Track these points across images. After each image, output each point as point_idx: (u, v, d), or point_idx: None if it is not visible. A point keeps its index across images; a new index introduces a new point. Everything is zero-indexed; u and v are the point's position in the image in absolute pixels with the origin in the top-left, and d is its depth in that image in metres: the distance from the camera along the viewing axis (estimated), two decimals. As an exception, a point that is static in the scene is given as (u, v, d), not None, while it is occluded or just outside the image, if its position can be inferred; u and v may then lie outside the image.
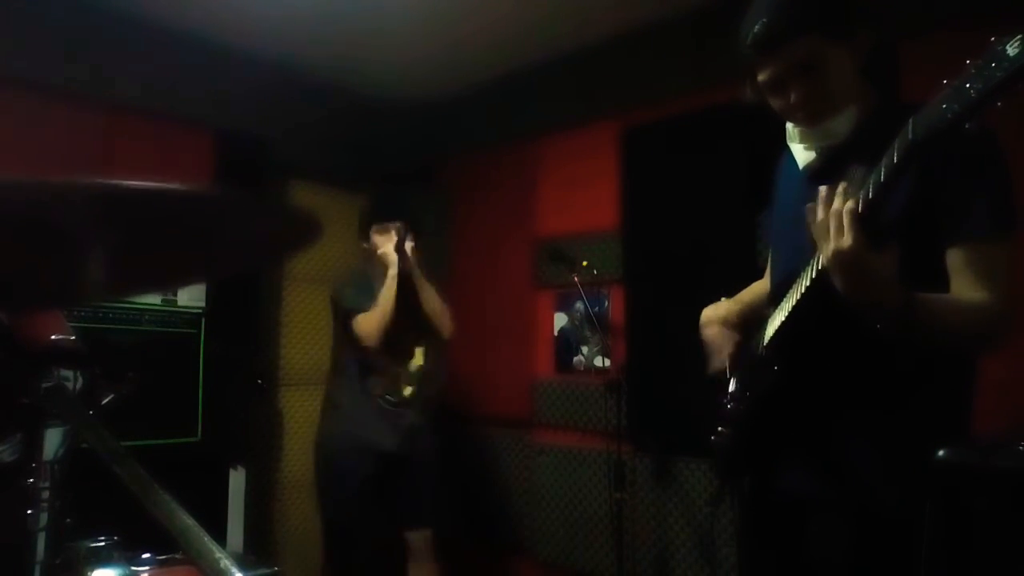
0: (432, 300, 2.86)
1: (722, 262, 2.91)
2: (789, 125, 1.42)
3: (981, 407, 1.30)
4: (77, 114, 3.05)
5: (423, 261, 2.89)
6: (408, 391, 2.85)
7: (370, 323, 2.71)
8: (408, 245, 2.76)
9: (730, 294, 2.61)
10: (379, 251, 2.80)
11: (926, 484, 1.03)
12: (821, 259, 1.14)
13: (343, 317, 2.81)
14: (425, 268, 2.89)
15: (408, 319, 2.81)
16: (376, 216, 2.89)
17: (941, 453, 1.00)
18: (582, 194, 3.53)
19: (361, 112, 4.10)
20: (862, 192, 1.09)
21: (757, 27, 1.29)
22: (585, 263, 3.19)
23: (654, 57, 3.26)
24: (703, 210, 3.03)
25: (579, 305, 3.42)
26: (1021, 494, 0.94)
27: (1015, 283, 1.21)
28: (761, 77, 1.34)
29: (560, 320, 3.56)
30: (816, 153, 1.37)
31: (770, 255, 1.66)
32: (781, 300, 1.37)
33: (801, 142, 1.40)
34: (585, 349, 3.44)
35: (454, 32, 3.36)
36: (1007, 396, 1.81)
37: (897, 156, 1.04)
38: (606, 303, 3.33)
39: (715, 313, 1.62)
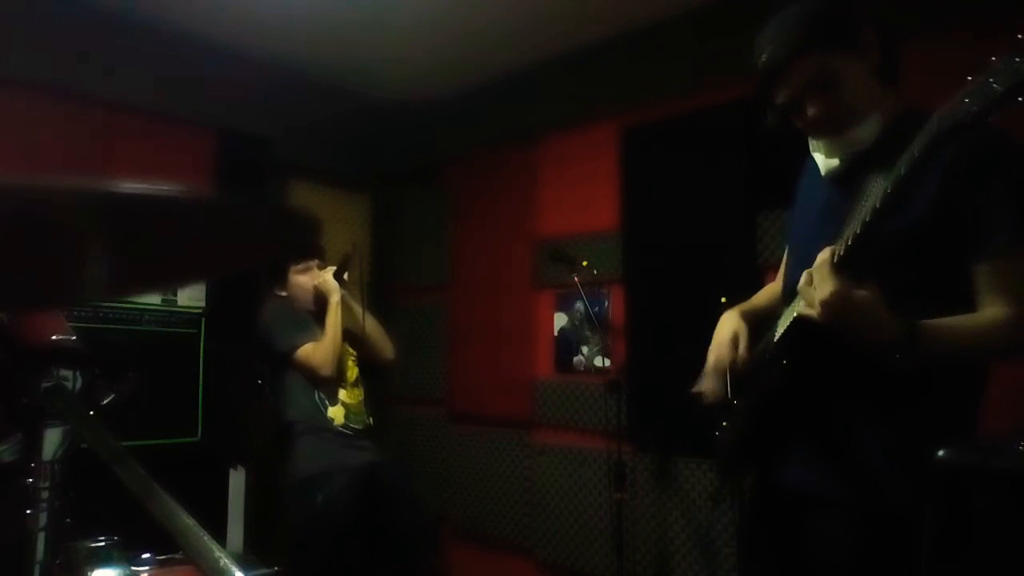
0: (372, 325, 2.87)
1: (722, 262, 2.91)
2: (813, 140, 1.44)
3: (984, 407, 1.31)
4: (77, 114, 3.05)
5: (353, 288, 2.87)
6: (370, 421, 2.82)
7: (321, 351, 2.66)
8: (346, 274, 2.79)
9: (730, 294, 2.62)
10: (317, 282, 2.78)
11: (932, 483, 1.03)
12: (814, 312, 1.19)
13: (283, 356, 2.70)
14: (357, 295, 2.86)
15: (351, 348, 2.84)
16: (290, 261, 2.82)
17: (941, 453, 1.00)
18: (582, 194, 3.53)
19: (362, 112, 4.11)
20: (847, 233, 1.15)
21: (765, 55, 1.33)
22: (585, 263, 3.19)
23: (654, 57, 3.27)
24: (703, 210, 3.03)
25: (579, 305, 3.42)
26: (1021, 494, 0.94)
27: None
28: (779, 100, 1.36)
29: (560, 320, 3.56)
30: (840, 160, 1.38)
31: (786, 255, 1.68)
32: (794, 299, 1.37)
33: (824, 152, 1.41)
34: (585, 349, 3.44)
35: (454, 32, 3.36)
36: (1008, 396, 1.81)
37: (919, 150, 1.04)
38: (606, 303, 3.33)
39: (727, 331, 1.59)
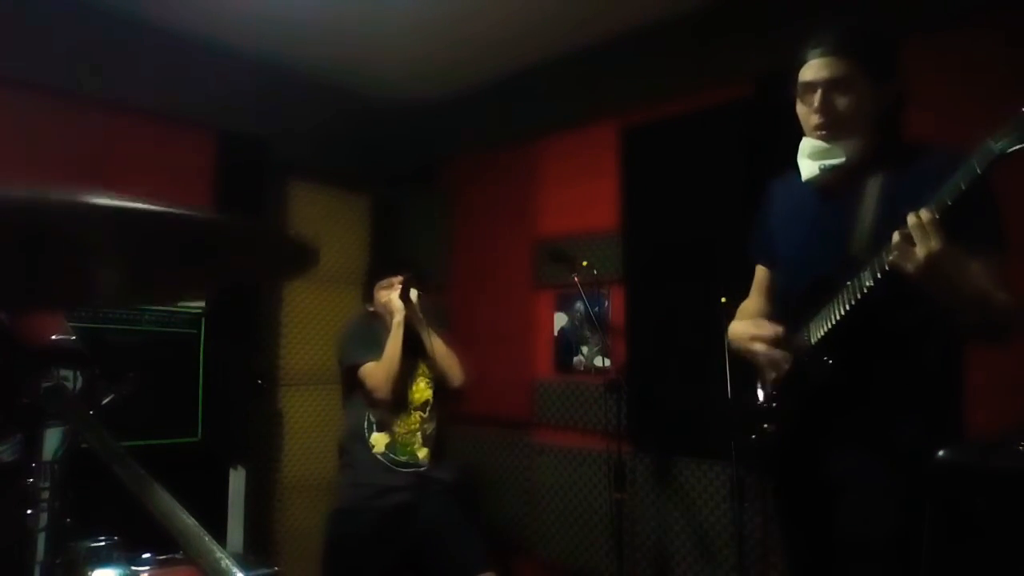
0: (439, 348, 2.76)
1: (722, 262, 2.90)
2: (804, 142, 1.58)
3: (983, 407, 1.33)
4: (77, 114, 3.05)
5: (430, 311, 2.80)
6: (423, 453, 2.68)
7: (378, 372, 2.60)
8: (413, 293, 2.69)
9: (729, 294, 2.63)
10: (383, 301, 2.73)
11: (931, 482, 1.08)
12: (911, 267, 1.27)
13: (348, 371, 2.72)
14: (433, 318, 2.80)
15: (415, 372, 2.74)
16: (379, 274, 2.84)
17: (941, 453, 1.00)
18: (582, 194, 3.53)
19: (362, 112, 4.11)
20: (936, 204, 1.26)
21: (822, 35, 1.52)
22: (585, 263, 3.19)
23: (654, 57, 3.26)
24: (703, 210, 3.03)
25: (579, 305, 3.42)
26: (1021, 494, 0.95)
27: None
28: (804, 78, 1.53)
29: (560, 320, 3.56)
30: (819, 171, 1.55)
31: (776, 270, 1.83)
32: (810, 306, 1.53)
33: (810, 156, 1.57)
34: (585, 349, 3.44)
35: (454, 32, 3.36)
36: (1008, 396, 1.82)
37: (980, 165, 1.20)
38: (606, 303, 3.33)
39: (758, 331, 1.68)
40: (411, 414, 2.71)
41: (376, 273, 2.89)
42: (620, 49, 3.38)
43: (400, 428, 2.68)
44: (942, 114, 2.19)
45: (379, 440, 2.65)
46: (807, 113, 1.55)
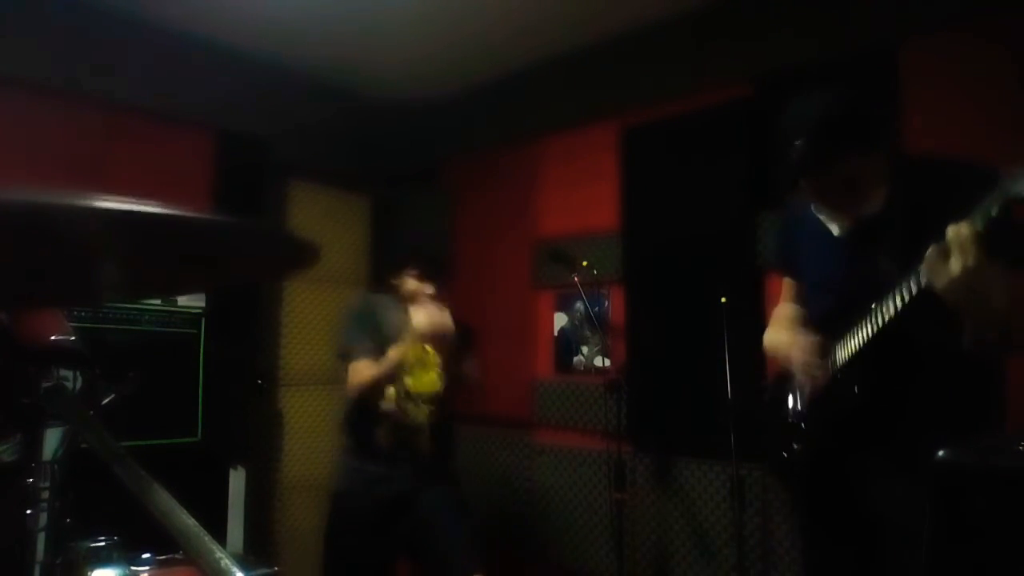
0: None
1: (722, 262, 2.91)
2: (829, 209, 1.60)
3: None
4: (77, 114, 3.05)
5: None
6: (427, 444, 2.60)
7: (362, 376, 2.49)
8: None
9: (730, 294, 2.64)
10: (411, 289, 2.60)
11: (931, 482, 1.10)
12: (942, 281, 1.21)
13: (337, 354, 2.64)
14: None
15: (425, 362, 2.65)
16: (419, 265, 2.66)
17: (941, 453, 1.00)
18: (582, 194, 3.53)
19: (362, 112, 4.11)
20: (979, 217, 1.19)
21: (804, 148, 1.44)
22: (585, 263, 3.19)
23: (654, 57, 3.26)
24: (703, 210, 3.03)
25: (579, 305, 3.42)
26: (1021, 494, 0.95)
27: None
28: (805, 185, 1.52)
29: (560, 320, 3.56)
30: (849, 228, 1.57)
31: (801, 290, 1.85)
32: (832, 331, 1.57)
33: (837, 220, 1.58)
34: (585, 349, 3.44)
35: (454, 32, 3.36)
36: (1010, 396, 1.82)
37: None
38: (606, 303, 3.32)
39: (795, 341, 1.70)
40: (419, 406, 2.63)
41: (420, 261, 2.68)
42: (620, 49, 3.38)
43: (412, 381, 2.59)
44: (938, 114, 2.19)
45: (392, 394, 2.56)
46: (823, 208, 1.56)
